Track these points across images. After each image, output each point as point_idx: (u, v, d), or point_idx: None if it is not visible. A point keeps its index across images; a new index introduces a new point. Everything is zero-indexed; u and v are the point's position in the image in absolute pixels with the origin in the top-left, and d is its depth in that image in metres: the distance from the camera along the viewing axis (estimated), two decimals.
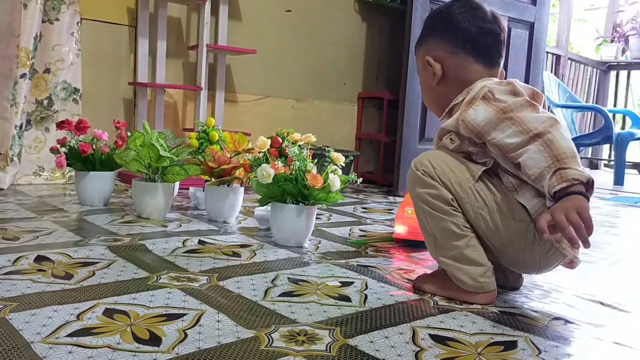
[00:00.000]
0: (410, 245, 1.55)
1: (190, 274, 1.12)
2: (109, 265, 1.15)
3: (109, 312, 0.88)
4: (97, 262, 1.16)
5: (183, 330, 0.83)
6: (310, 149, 1.56)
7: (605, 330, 0.97)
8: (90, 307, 0.90)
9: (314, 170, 1.42)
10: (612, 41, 5.85)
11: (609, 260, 1.57)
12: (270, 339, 0.82)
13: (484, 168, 1.06)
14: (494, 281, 1.06)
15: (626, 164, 4.37)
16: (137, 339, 0.79)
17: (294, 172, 1.40)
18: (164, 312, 0.90)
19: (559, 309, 1.08)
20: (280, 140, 1.63)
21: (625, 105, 6.07)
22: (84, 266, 1.13)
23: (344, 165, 1.48)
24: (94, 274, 1.08)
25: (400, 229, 1.56)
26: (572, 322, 1.00)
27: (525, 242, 1.03)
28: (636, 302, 1.18)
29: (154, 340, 0.79)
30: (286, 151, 1.54)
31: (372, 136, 3.45)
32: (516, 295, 1.14)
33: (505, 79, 1.12)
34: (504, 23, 1.18)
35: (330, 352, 0.79)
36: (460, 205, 1.05)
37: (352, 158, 1.58)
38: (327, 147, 1.63)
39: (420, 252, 1.47)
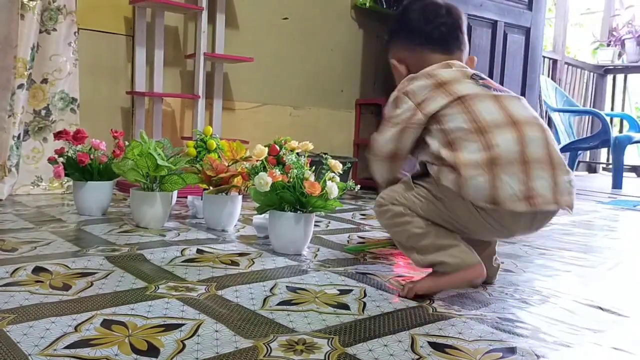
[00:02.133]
0: None
1: (188, 284, 1.12)
2: (107, 275, 1.15)
3: (107, 323, 0.88)
4: (95, 273, 1.16)
5: (181, 341, 0.83)
6: (307, 156, 1.56)
7: (604, 336, 0.97)
8: (88, 319, 0.90)
9: (312, 178, 1.42)
10: (608, 45, 5.88)
11: (607, 264, 1.57)
12: (269, 348, 0.82)
13: (409, 175, 1.20)
14: (475, 255, 1.12)
15: (624, 167, 4.38)
16: (135, 350, 0.79)
17: (291, 179, 1.40)
18: (162, 323, 0.89)
19: (558, 314, 1.07)
20: (278, 148, 1.63)
21: (623, 109, 6.09)
22: (82, 277, 1.13)
23: (341, 172, 1.48)
24: (92, 284, 1.08)
25: None
26: (571, 328, 1.00)
27: (473, 215, 1.09)
28: (635, 306, 1.17)
29: (152, 351, 0.79)
30: (284, 159, 1.54)
31: (370, 142, 3.45)
32: (515, 300, 1.14)
33: (493, 78, 1.22)
34: (460, 13, 1.26)
35: None
36: (413, 212, 1.14)
37: (350, 165, 1.58)
38: (325, 154, 1.63)
39: None
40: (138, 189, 1.67)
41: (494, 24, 3.32)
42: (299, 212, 1.42)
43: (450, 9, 1.26)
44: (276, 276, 1.22)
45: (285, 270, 1.28)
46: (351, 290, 1.14)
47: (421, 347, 0.86)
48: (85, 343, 0.80)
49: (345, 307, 1.03)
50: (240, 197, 1.71)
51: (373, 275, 1.27)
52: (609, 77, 6.00)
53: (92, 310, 0.93)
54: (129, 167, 1.60)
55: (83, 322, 0.88)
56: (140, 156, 1.59)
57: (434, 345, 0.87)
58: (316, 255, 1.44)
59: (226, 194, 1.68)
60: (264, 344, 0.83)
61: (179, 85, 2.76)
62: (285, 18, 3.10)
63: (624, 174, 4.30)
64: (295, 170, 1.41)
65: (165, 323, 0.89)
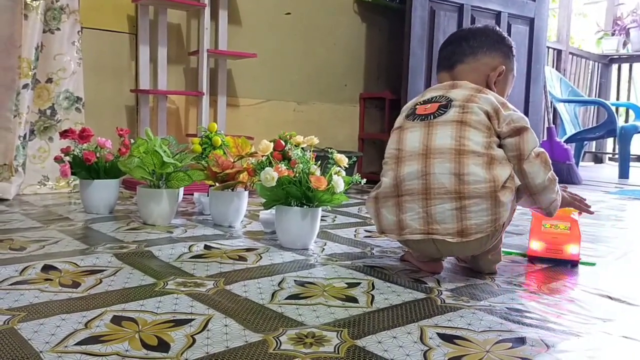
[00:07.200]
0: (544, 262, 1.39)
1: (197, 279, 1.12)
2: (116, 272, 1.15)
3: (116, 320, 0.88)
4: (103, 270, 1.17)
5: (191, 336, 0.83)
6: (313, 151, 1.56)
7: (613, 325, 0.97)
8: (98, 315, 0.90)
9: (318, 172, 1.42)
10: (613, 34, 5.84)
11: (615, 254, 1.56)
12: (279, 342, 0.82)
13: None
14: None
15: (631, 157, 4.35)
16: (146, 346, 0.79)
17: (297, 174, 1.40)
18: (172, 318, 0.90)
19: (567, 304, 1.07)
20: (283, 143, 1.63)
21: (628, 98, 6.05)
22: (90, 274, 1.13)
23: (347, 166, 1.48)
24: (101, 281, 1.09)
25: (536, 245, 1.40)
26: (580, 317, 0.99)
27: None
28: None
29: (163, 346, 0.79)
30: (289, 154, 1.54)
31: (374, 136, 3.45)
32: (523, 291, 1.14)
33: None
34: (451, 36, 1.39)
35: (338, 353, 0.79)
36: None
37: (355, 159, 1.58)
38: (330, 148, 1.63)
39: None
40: (144, 186, 1.68)
41: (497, 15, 3.31)
42: (305, 206, 1.42)
43: (456, 35, 1.39)
44: (284, 271, 1.22)
45: (292, 264, 1.28)
46: (359, 283, 1.14)
47: (430, 338, 0.86)
48: (95, 339, 0.80)
49: (353, 300, 1.03)
50: (246, 193, 1.71)
51: (381, 269, 1.27)
52: (614, 67, 5.96)
53: (102, 307, 0.94)
54: (135, 165, 1.60)
55: (93, 318, 0.88)
56: (146, 154, 1.59)
57: (443, 337, 0.87)
58: (323, 249, 1.45)
59: (232, 190, 1.68)
60: (273, 337, 0.84)
61: (182, 83, 2.77)
62: (288, 13, 3.09)
63: (631, 163, 4.28)
64: (301, 165, 1.41)
65: (175, 318, 0.90)
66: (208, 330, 0.85)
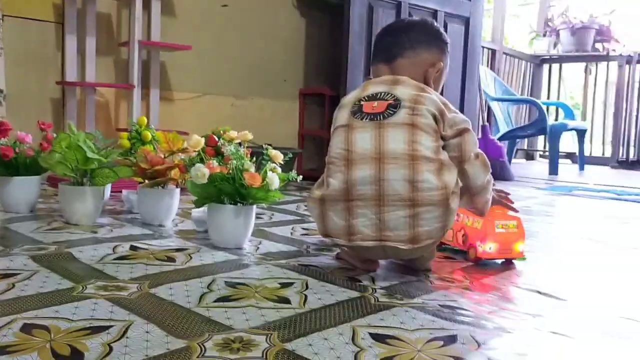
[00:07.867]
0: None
1: (119, 282, 1.06)
2: (31, 276, 1.07)
3: (27, 328, 0.81)
4: (17, 274, 1.08)
5: (108, 344, 0.77)
6: (249, 147, 1.51)
7: (543, 320, 0.98)
8: (7, 323, 0.83)
9: (252, 169, 1.37)
10: (544, 35, 6.06)
11: (545, 249, 1.60)
12: (203, 348, 0.78)
13: None
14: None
15: (560, 154, 4.53)
16: (57, 356, 0.73)
17: (231, 171, 1.36)
18: (88, 325, 0.84)
19: (498, 300, 1.08)
20: (216, 139, 1.57)
21: (558, 98, 6.30)
22: (3, 278, 1.05)
23: (282, 163, 1.44)
24: (13, 286, 1.01)
25: (490, 247, 1.33)
26: (511, 313, 1.00)
27: None
28: (573, 290, 1.20)
29: (76, 356, 0.73)
30: (222, 150, 1.49)
31: (314, 133, 3.42)
32: (456, 287, 1.14)
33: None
34: (389, 26, 1.41)
35: (266, 358, 0.75)
36: None
37: (291, 156, 1.54)
38: (268, 144, 1.58)
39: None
40: (67, 183, 1.58)
41: (434, 13, 3.35)
42: (239, 204, 1.37)
43: (389, 28, 1.40)
44: (215, 271, 1.17)
45: (224, 265, 1.23)
46: (293, 283, 1.11)
47: (362, 339, 0.84)
48: (1, 350, 0.74)
49: (286, 301, 1.00)
50: (178, 190, 1.64)
51: (316, 267, 1.24)
52: (545, 67, 6.19)
53: (12, 314, 0.86)
54: (56, 160, 1.51)
55: (1, 327, 0.81)
56: (68, 149, 1.50)
57: (375, 337, 0.85)
58: (258, 248, 1.41)
59: (163, 187, 1.61)
60: (198, 343, 0.79)
61: (112, 75, 2.65)
62: (225, 5, 3.02)
63: (560, 160, 4.45)
64: (235, 162, 1.36)
65: (92, 325, 0.84)
66: (127, 337, 0.80)
